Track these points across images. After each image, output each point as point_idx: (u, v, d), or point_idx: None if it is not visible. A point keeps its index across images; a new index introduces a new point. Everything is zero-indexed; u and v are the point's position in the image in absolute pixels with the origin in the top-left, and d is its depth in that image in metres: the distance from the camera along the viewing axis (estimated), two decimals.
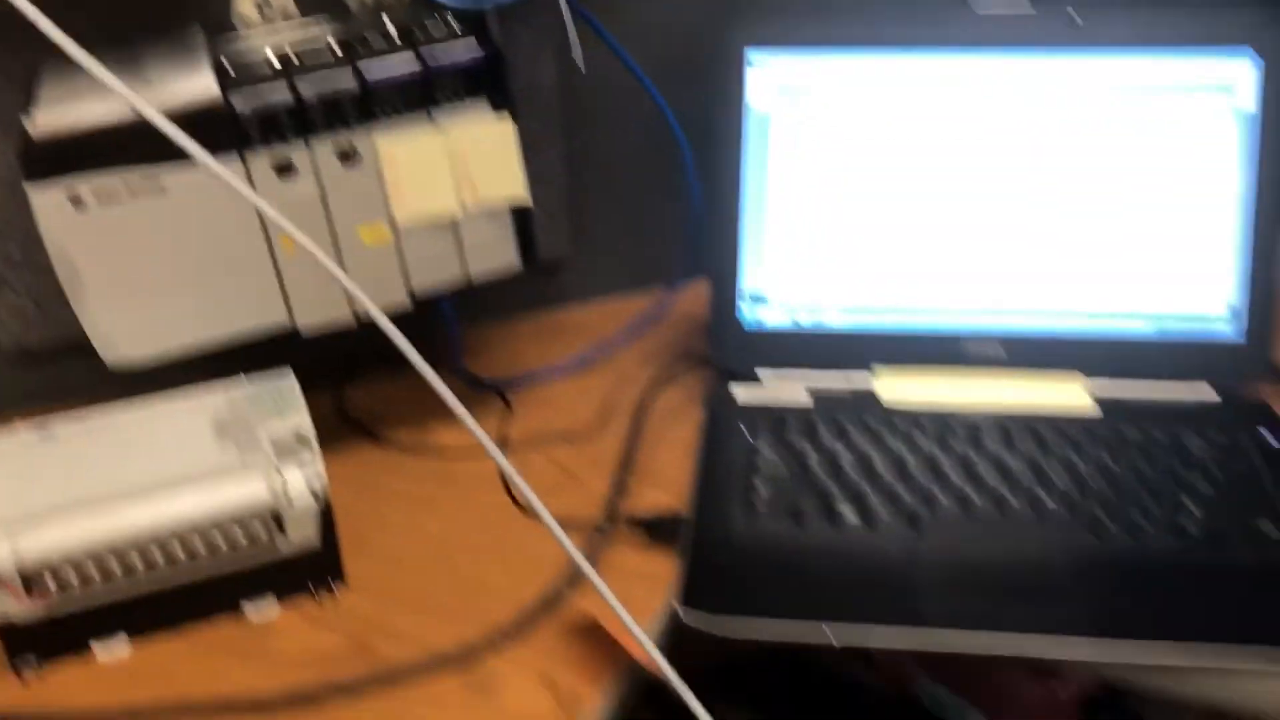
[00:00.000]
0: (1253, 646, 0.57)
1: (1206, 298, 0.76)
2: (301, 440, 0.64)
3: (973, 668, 0.84)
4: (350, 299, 0.69)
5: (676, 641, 0.55)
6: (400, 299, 0.70)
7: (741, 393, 0.78)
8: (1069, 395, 0.76)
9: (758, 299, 0.80)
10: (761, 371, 0.79)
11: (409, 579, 0.67)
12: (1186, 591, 0.61)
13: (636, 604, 0.57)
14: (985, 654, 0.59)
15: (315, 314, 0.69)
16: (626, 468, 0.75)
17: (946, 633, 0.59)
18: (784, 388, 0.78)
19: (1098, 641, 0.58)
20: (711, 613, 0.61)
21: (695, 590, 0.62)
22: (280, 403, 0.67)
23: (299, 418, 0.65)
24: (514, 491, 0.73)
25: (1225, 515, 0.66)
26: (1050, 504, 0.67)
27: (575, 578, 0.65)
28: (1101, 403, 0.75)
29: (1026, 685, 0.81)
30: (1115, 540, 0.65)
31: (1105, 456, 0.70)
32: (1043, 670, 0.80)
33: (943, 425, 0.74)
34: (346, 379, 0.85)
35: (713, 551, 0.65)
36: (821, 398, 0.77)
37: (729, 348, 0.80)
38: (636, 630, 0.56)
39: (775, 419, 0.75)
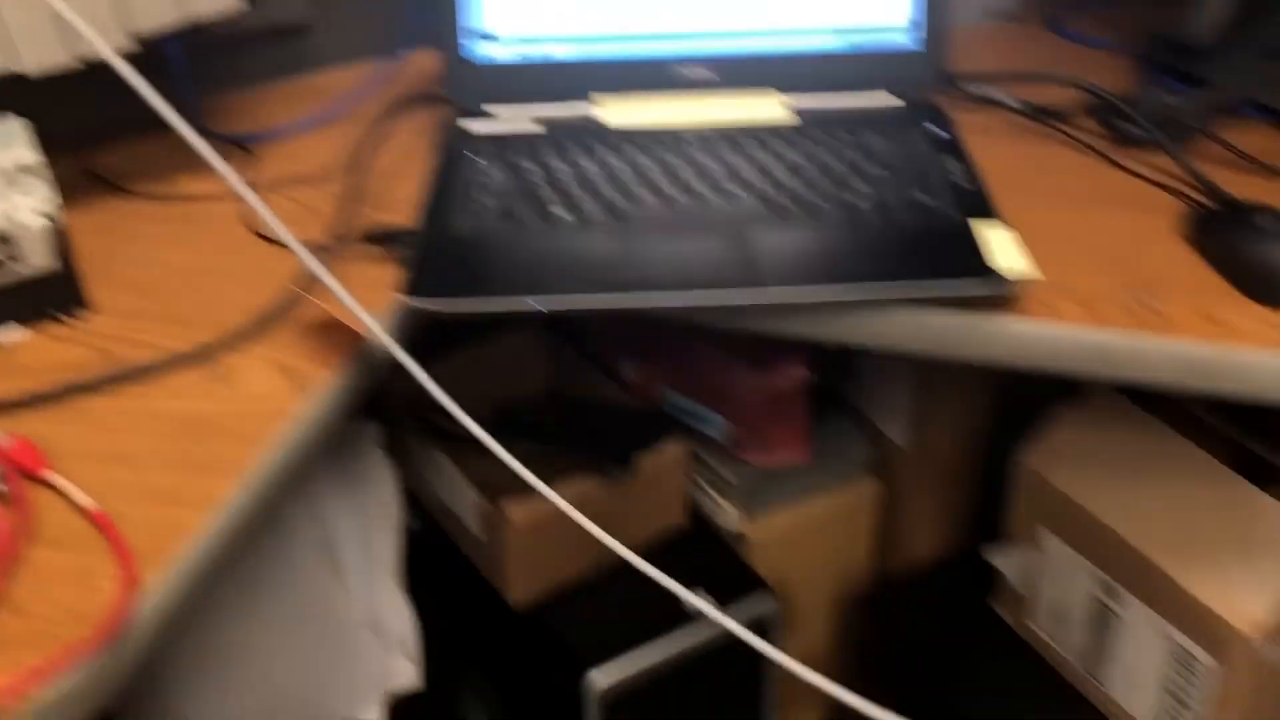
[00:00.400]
0: (906, 281, 0.66)
1: (889, 11, 0.84)
2: (25, 169, 0.66)
3: (707, 376, 0.92)
4: (68, 39, 0.70)
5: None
6: (122, 41, 0.72)
7: (473, 125, 0.83)
8: (768, 109, 0.83)
9: (486, 36, 0.84)
10: (492, 107, 0.84)
11: (153, 301, 0.71)
12: (856, 250, 0.70)
13: (369, 303, 0.62)
14: (674, 308, 0.67)
15: (36, 56, 0.70)
16: (361, 198, 0.79)
17: (642, 294, 0.66)
18: (513, 119, 0.83)
19: (778, 289, 0.66)
20: (432, 296, 0.67)
21: (419, 282, 0.68)
22: (1, 141, 0.69)
23: (21, 150, 0.68)
24: (256, 224, 0.77)
25: (892, 192, 0.74)
26: (744, 197, 0.74)
27: (311, 285, 0.70)
28: (798, 114, 0.83)
29: (752, 381, 0.90)
30: (797, 219, 0.72)
31: (795, 157, 0.78)
32: (760, 361, 0.89)
33: (654, 141, 0.80)
34: (92, 143, 0.86)
35: (436, 251, 0.71)
36: (549, 125, 0.82)
37: (460, 84, 0.84)
38: (363, 314, 0.62)
39: (501, 144, 0.80)
